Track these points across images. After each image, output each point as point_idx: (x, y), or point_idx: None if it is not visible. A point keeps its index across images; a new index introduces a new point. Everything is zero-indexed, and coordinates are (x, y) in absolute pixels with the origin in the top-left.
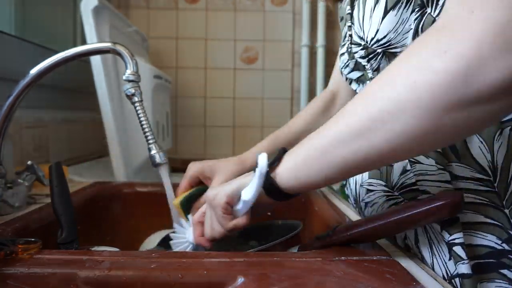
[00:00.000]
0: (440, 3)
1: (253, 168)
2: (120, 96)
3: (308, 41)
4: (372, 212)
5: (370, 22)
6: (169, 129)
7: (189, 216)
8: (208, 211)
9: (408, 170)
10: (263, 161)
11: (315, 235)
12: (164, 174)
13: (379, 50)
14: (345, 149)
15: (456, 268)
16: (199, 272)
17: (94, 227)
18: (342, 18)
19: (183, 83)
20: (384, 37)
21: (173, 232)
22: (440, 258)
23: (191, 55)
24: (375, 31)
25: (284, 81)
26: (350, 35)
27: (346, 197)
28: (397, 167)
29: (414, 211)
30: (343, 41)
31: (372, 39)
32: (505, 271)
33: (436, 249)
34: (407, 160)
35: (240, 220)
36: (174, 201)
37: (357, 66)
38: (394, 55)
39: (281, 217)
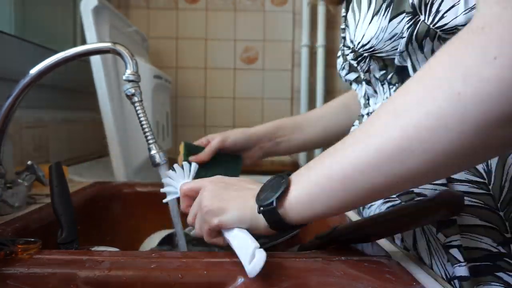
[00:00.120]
0: (434, 9)
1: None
2: (120, 96)
3: (308, 41)
4: (370, 214)
5: (362, 27)
6: (169, 129)
7: (184, 164)
8: (198, 212)
9: None
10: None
11: (315, 235)
12: (164, 174)
13: (365, 54)
14: (374, 174)
15: (454, 270)
16: (199, 272)
17: (94, 227)
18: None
19: (183, 83)
20: (368, 42)
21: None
22: (439, 260)
23: (191, 55)
24: (362, 35)
25: (284, 81)
26: (344, 38)
27: None
28: None
29: (414, 211)
30: (340, 43)
31: (359, 43)
32: (501, 274)
33: (434, 251)
34: None
35: (221, 243)
36: (181, 145)
37: (352, 68)
38: (381, 58)
39: None
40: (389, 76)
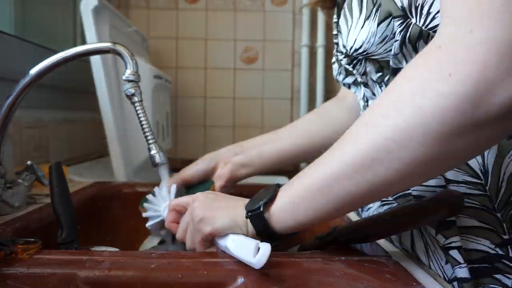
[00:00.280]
0: (425, 12)
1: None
2: (120, 96)
3: (308, 41)
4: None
5: (354, 32)
6: (169, 129)
7: (162, 186)
8: (190, 223)
9: None
10: (265, 253)
11: (315, 235)
12: (164, 174)
13: (360, 57)
14: (349, 182)
15: (453, 272)
16: (199, 272)
17: (94, 227)
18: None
19: (183, 83)
20: (360, 46)
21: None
22: (437, 262)
23: (191, 55)
24: (354, 40)
25: (284, 81)
26: (337, 43)
27: None
28: None
29: (414, 210)
30: (333, 49)
31: (351, 47)
32: (499, 276)
33: (432, 253)
34: None
35: (216, 252)
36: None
37: (348, 72)
38: (377, 60)
39: None
40: (386, 78)
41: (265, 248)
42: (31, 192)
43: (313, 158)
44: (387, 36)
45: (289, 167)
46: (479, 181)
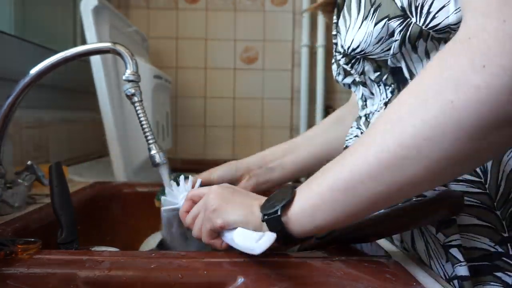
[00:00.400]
0: (425, 11)
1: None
2: (120, 96)
3: (308, 41)
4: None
5: (352, 32)
6: (169, 129)
7: (181, 180)
8: (202, 212)
9: None
10: (267, 240)
11: (315, 235)
12: (164, 174)
13: (358, 56)
14: (375, 183)
15: (454, 270)
16: (199, 272)
17: (94, 227)
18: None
19: (183, 83)
20: (358, 46)
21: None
22: (437, 261)
23: (191, 55)
24: (351, 40)
25: (284, 81)
26: (335, 44)
27: None
28: None
29: (415, 210)
30: (333, 49)
31: (349, 47)
32: (499, 274)
33: (433, 252)
34: None
35: (218, 245)
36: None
37: (347, 72)
38: (375, 60)
39: None
40: (384, 77)
41: (270, 235)
42: (31, 192)
43: None
44: (382, 37)
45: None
46: (478, 179)
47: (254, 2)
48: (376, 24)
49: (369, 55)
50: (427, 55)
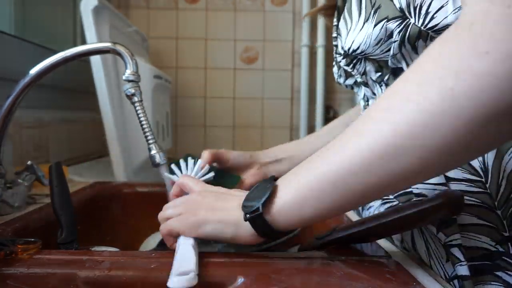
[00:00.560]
0: (423, 11)
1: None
2: (120, 96)
3: (308, 41)
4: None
5: (353, 34)
6: (169, 129)
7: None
8: (182, 206)
9: None
10: None
11: (314, 235)
12: (164, 174)
13: (359, 57)
14: (366, 174)
15: (454, 270)
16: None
17: (94, 227)
18: None
19: (183, 83)
20: (358, 48)
21: None
22: (438, 260)
23: (191, 55)
24: (352, 41)
25: (284, 81)
26: (336, 46)
27: None
28: None
29: (415, 210)
30: (333, 51)
31: (349, 48)
32: (500, 273)
33: (433, 252)
34: None
35: (170, 243)
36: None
37: (348, 74)
38: (376, 60)
39: None
40: (386, 78)
41: (191, 278)
42: (31, 192)
43: None
44: (381, 38)
45: None
46: (479, 178)
47: (254, 2)
48: (375, 25)
49: (370, 56)
50: None
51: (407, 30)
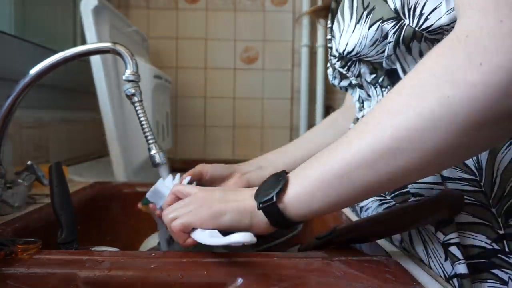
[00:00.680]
0: (418, 13)
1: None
2: (120, 96)
3: (308, 41)
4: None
5: (346, 35)
6: (169, 129)
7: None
8: (187, 205)
9: None
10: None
11: (314, 235)
12: (164, 174)
13: (354, 59)
14: (368, 171)
15: (453, 269)
16: (199, 272)
17: (94, 227)
18: None
19: (183, 83)
20: (353, 49)
21: None
22: (436, 260)
23: (191, 55)
24: (346, 43)
25: (284, 81)
26: (330, 48)
27: None
28: None
29: (415, 210)
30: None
31: (344, 50)
32: (496, 271)
33: (431, 251)
34: None
35: (182, 239)
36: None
37: (343, 75)
38: (370, 62)
39: None
40: (380, 79)
41: (246, 234)
42: (31, 192)
43: None
44: (377, 39)
45: None
46: (474, 177)
47: (254, 2)
48: (370, 26)
49: (365, 58)
50: (421, 56)
51: (401, 31)
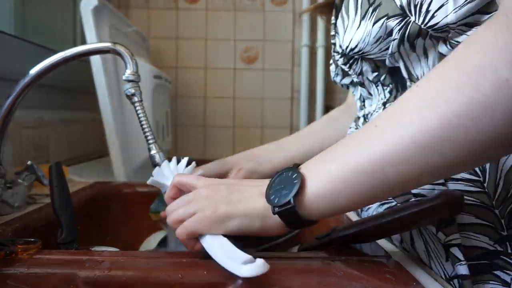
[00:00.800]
0: (424, 10)
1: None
2: (120, 96)
3: (308, 41)
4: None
5: (350, 31)
6: (169, 129)
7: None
8: (191, 204)
9: None
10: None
11: (314, 235)
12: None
13: (356, 56)
14: (408, 166)
15: (454, 269)
16: (199, 272)
17: (94, 227)
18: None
19: (183, 83)
20: (356, 46)
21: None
22: (437, 260)
23: (191, 55)
24: (349, 40)
25: (284, 81)
26: (334, 44)
27: None
28: None
29: (415, 210)
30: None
31: (347, 47)
32: (498, 273)
33: (432, 251)
34: None
35: (191, 246)
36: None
37: (345, 73)
38: (373, 60)
39: None
40: (382, 78)
41: (260, 265)
42: (31, 192)
43: None
44: (381, 36)
45: None
46: (477, 178)
47: (254, 2)
48: (374, 23)
49: (367, 55)
50: (425, 54)
51: (407, 28)
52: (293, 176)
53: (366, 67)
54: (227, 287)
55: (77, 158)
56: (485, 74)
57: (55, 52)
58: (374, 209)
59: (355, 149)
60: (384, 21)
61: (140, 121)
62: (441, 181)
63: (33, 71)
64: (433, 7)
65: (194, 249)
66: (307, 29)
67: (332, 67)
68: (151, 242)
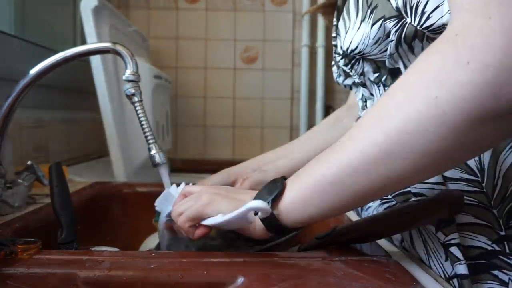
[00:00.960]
0: (419, 11)
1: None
2: (120, 96)
3: (308, 41)
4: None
5: (351, 33)
6: (169, 129)
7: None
8: (192, 201)
9: None
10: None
11: (314, 235)
12: (164, 174)
13: (357, 57)
14: (362, 177)
15: (453, 269)
16: (199, 272)
17: (94, 227)
18: None
19: (183, 83)
20: (356, 47)
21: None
22: (437, 260)
23: (191, 55)
24: (350, 41)
25: (284, 81)
26: (335, 45)
27: None
28: None
29: (415, 210)
30: (333, 51)
31: (347, 48)
32: (496, 272)
33: (432, 251)
34: None
35: (191, 233)
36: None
37: (346, 74)
38: (373, 60)
39: None
40: (383, 78)
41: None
42: (31, 192)
43: None
44: (380, 37)
45: None
46: (476, 178)
47: (254, 2)
48: (373, 25)
49: (368, 56)
50: None
51: (403, 30)
52: (277, 185)
53: (367, 68)
54: (227, 287)
55: (77, 158)
56: (419, 92)
57: (55, 52)
58: (374, 208)
59: (323, 161)
60: (381, 23)
61: (140, 121)
62: (440, 180)
63: (33, 71)
64: (428, 8)
65: (196, 235)
66: (307, 29)
67: (334, 68)
68: (151, 242)
